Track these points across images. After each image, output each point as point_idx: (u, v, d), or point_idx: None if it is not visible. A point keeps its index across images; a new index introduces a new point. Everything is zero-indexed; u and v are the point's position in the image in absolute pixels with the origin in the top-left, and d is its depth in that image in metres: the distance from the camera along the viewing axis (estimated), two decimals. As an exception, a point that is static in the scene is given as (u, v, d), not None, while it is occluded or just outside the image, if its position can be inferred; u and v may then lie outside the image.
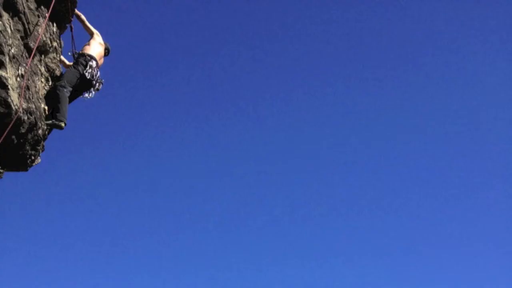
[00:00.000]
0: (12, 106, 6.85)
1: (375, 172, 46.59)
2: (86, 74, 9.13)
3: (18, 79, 7.11)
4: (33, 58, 7.76)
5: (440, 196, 45.66)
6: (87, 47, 9.53)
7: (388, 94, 44.43)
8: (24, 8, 7.37)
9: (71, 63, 9.42)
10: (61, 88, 8.60)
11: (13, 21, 7.16)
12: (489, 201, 44.52)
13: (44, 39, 8.22)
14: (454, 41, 43.01)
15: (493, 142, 43.60)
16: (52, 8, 8.20)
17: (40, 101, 8.01)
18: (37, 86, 8.00)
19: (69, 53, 9.54)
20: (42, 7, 8.07)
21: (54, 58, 9.00)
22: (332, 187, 47.14)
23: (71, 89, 8.81)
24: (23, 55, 7.38)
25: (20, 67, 7.19)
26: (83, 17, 9.59)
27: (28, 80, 7.48)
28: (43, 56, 8.53)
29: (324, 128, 45.84)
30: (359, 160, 46.46)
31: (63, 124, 8.48)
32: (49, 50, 8.64)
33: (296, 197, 47.29)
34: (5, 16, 6.92)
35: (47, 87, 8.56)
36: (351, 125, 46.12)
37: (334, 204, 46.69)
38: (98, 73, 9.46)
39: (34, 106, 7.57)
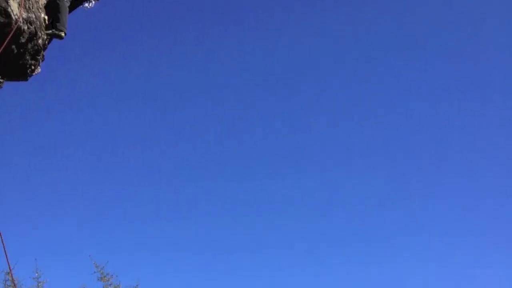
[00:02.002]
0: (12, 15, 6.78)
1: (376, 83, 46.62)
2: (86, -17, 8.98)
3: (18, -12, 7.00)
4: (32, -34, 7.58)
5: (440, 109, 45.98)
6: (87, -46, 9.29)
7: (388, 6, 43.81)
8: None
9: (71, -29, 9.20)
10: (61, -3, 8.46)
11: None
12: (489, 114, 44.94)
13: None
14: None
15: (494, 57, 43.45)
16: None
17: (40, 10, 7.89)
18: (37, -5, 7.86)
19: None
20: None
21: (53, -35, 8.78)
22: (332, 98, 47.29)
23: (71, -2, 8.69)
24: (23, -38, 7.21)
25: (19, -24, 7.05)
26: None
27: (28, -11, 7.35)
28: (42, -37, 8.33)
29: (325, 41, 45.41)
30: (360, 72, 46.38)
31: (63, 34, 8.41)
32: (48, -43, 8.43)
33: (296, 109, 47.49)
34: None
35: (47, -4, 8.41)
36: (352, 39, 45.68)
37: (334, 116, 46.99)
38: (98, -18, 9.28)
39: (34, 16, 7.48)
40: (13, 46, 7.28)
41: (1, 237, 17.18)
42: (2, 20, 6.68)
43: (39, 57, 8.16)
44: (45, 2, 8.21)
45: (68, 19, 8.52)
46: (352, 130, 46.78)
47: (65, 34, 8.47)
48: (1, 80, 7.92)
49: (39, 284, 15.02)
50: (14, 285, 15.21)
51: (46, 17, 8.12)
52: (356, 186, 46.68)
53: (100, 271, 15.16)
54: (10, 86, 8.39)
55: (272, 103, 47.48)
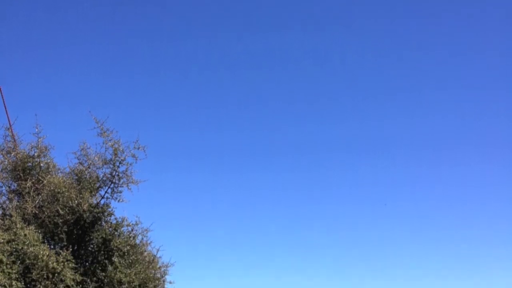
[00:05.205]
0: None
1: None
2: None
3: None
4: None
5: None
6: None
7: None
8: None
9: None
10: None
11: None
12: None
13: None
14: None
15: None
16: None
17: None
18: None
19: None
20: None
21: None
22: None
23: None
24: None
25: None
26: None
27: None
28: None
29: None
30: None
31: None
32: None
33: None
34: None
35: None
36: None
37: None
38: None
39: None
40: None
41: (1, 93, 16.66)
42: None
43: None
44: None
45: None
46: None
47: None
48: None
49: (39, 140, 14.94)
50: (14, 140, 15.20)
51: None
52: (354, 41, 45.56)
53: (100, 126, 14.93)
54: None
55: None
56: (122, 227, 14.51)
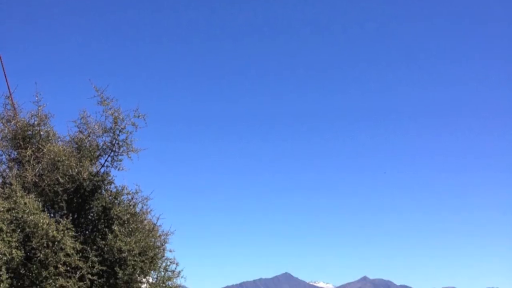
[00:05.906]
0: None
1: None
2: None
3: None
4: None
5: None
6: None
7: None
8: None
9: None
10: None
11: None
12: None
13: None
14: None
15: None
16: None
17: None
18: None
19: None
20: None
21: None
22: None
23: None
24: None
25: None
26: None
27: None
28: None
29: None
30: None
31: None
32: None
33: None
34: None
35: None
36: None
37: None
38: None
39: None
40: None
41: (1, 61, 16.63)
42: None
43: None
44: None
45: None
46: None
47: None
48: None
49: (39, 108, 14.91)
50: (14, 109, 15.17)
51: None
52: (356, 11, 44.95)
53: (100, 95, 14.86)
54: None
55: None
56: (122, 195, 14.58)
